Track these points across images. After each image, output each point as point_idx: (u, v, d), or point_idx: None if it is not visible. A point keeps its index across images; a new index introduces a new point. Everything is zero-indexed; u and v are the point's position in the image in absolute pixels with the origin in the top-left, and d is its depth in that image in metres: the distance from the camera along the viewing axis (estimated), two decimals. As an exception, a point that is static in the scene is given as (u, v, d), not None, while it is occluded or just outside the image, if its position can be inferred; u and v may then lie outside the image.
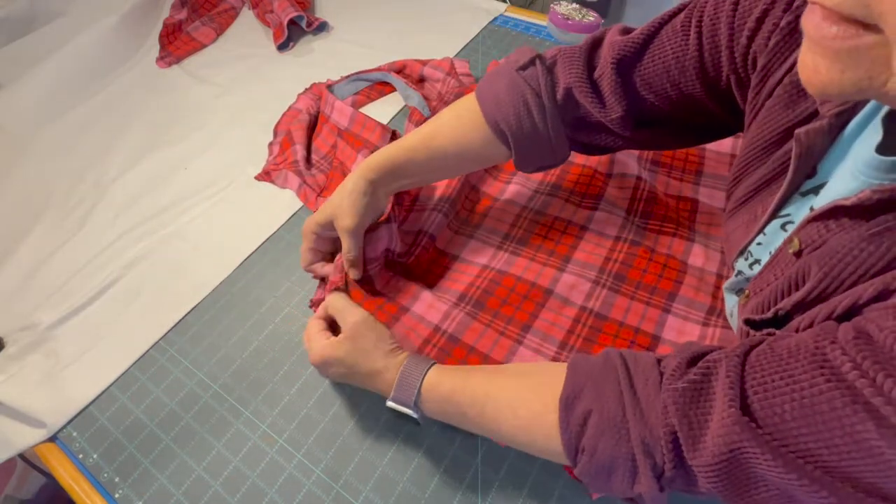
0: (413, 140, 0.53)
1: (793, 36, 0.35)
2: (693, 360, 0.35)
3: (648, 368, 0.36)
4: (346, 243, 0.51)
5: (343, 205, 0.50)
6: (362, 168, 0.51)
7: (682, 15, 0.43)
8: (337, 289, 0.52)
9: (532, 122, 0.48)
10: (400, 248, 0.59)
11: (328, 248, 0.56)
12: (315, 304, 0.57)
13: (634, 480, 0.34)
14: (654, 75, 0.44)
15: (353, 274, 0.53)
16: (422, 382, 0.43)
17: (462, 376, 0.43)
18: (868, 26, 0.21)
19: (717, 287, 0.56)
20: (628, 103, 0.45)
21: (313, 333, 0.48)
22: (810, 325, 0.31)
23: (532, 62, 0.49)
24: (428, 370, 0.43)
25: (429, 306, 0.54)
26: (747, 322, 0.37)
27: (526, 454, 0.47)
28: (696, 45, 0.41)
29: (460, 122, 0.52)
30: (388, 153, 0.52)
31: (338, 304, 0.49)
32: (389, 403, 0.43)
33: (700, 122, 0.47)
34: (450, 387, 0.42)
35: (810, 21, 0.23)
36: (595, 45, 0.47)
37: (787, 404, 0.28)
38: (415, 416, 0.43)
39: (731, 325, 0.49)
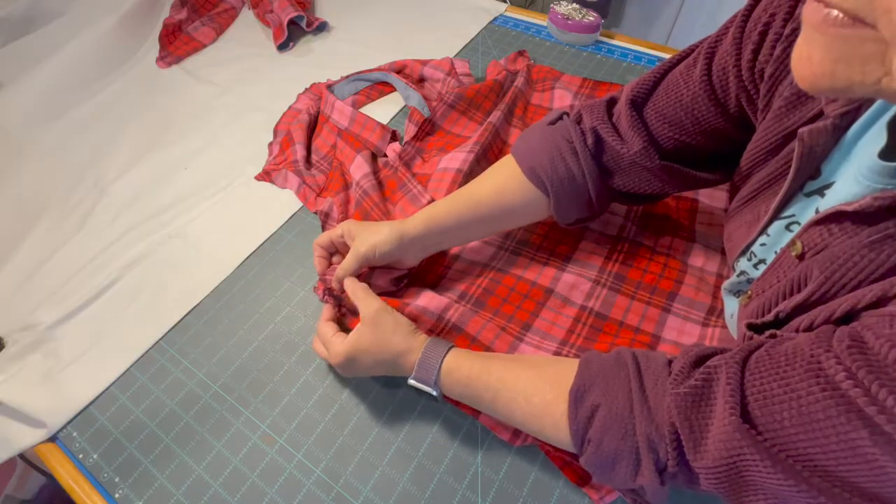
0: (455, 194, 0.55)
1: None
2: (697, 363, 0.35)
3: (659, 369, 0.37)
4: (346, 261, 0.52)
5: (370, 240, 0.52)
6: (403, 222, 0.53)
7: (691, 55, 0.46)
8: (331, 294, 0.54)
9: (566, 166, 0.51)
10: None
11: (344, 250, 0.57)
12: (322, 288, 0.57)
13: (637, 473, 0.36)
14: (667, 107, 0.46)
15: (335, 284, 0.54)
16: (441, 366, 0.45)
17: (480, 362, 0.45)
18: (866, 23, 0.21)
19: (717, 287, 0.56)
20: (647, 135, 0.48)
21: (328, 337, 0.49)
22: (810, 327, 0.32)
23: (560, 117, 0.53)
24: (447, 353, 0.45)
25: (431, 298, 0.54)
26: (749, 327, 0.38)
27: (526, 454, 0.48)
28: (703, 71, 0.43)
29: (499, 175, 0.55)
30: (430, 209, 0.54)
31: (357, 290, 0.50)
32: (411, 381, 0.46)
33: (727, 149, 0.47)
34: (466, 373, 0.44)
35: (809, 7, 0.23)
36: (614, 98, 0.51)
37: (786, 412, 0.29)
38: (435, 394, 0.46)
39: (730, 328, 0.49)
